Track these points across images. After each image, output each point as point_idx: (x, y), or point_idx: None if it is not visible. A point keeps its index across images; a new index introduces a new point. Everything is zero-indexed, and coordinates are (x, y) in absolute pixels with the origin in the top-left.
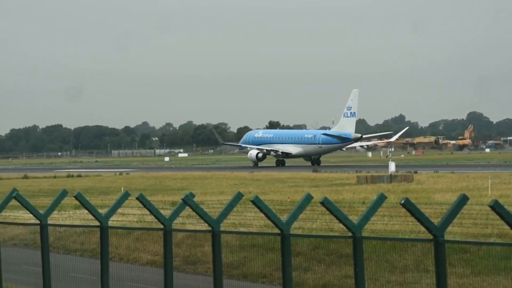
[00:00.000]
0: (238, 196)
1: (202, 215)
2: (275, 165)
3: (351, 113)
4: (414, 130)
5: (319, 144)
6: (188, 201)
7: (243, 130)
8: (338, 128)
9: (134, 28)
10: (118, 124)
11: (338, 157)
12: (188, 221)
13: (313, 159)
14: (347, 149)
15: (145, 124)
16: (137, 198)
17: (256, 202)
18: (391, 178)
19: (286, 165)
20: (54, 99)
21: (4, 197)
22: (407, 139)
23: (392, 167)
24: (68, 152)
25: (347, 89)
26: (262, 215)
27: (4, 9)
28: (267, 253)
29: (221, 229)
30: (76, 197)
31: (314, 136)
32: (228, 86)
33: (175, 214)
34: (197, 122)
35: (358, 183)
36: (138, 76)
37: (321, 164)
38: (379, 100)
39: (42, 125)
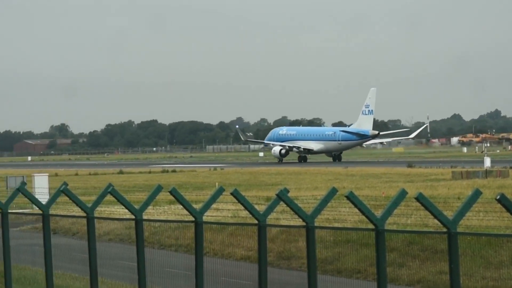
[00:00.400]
0: (333, 191)
1: (297, 210)
2: (297, 161)
3: (368, 110)
4: (510, 125)
5: (338, 140)
6: (282, 196)
7: (338, 125)
8: (357, 126)
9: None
10: (212, 119)
11: (433, 152)
12: (282, 217)
13: (334, 155)
14: (366, 145)
15: (239, 119)
16: (231, 194)
17: (351, 198)
18: (487, 173)
19: (308, 161)
20: (150, 94)
21: (100, 192)
22: (502, 134)
23: (487, 162)
24: (163, 148)
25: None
26: (357, 210)
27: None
28: (361, 249)
29: (315, 224)
30: (171, 192)
31: (334, 133)
32: (323, 80)
33: (269, 209)
34: (292, 117)
35: (453, 179)
36: (231, 73)
37: (417, 161)
38: (472, 95)
39: (137, 120)
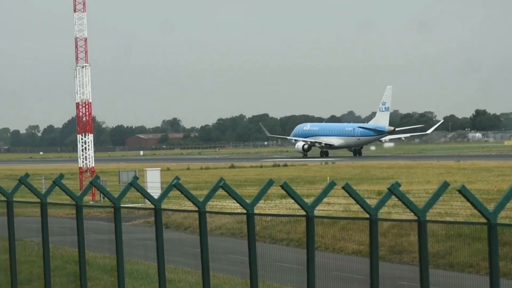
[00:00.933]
0: (444, 185)
1: (408, 204)
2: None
3: (385, 107)
4: None
5: (357, 136)
6: (394, 190)
7: (449, 118)
8: (374, 122)
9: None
10: (324, 113)
11: None
12: (393, 211)
13: (354, 150)
14: (383, 140)
15: (351, 113)
16: (342, 187)
17: (463, 191)
18: None
19: (329, 155)
20: (260, 88)
21: (211, 187)
22: None
23: None
24: (274, 142)
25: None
26: (469, 204)
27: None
28: (473, 243)
29: (427, 218)
30: (282, 187)
31: (353, 129)
32: (438, 71)
33: (381, 203)
34: (403, 110)
35: None
36: (347, 67)
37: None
38: None
39: (248, 114)
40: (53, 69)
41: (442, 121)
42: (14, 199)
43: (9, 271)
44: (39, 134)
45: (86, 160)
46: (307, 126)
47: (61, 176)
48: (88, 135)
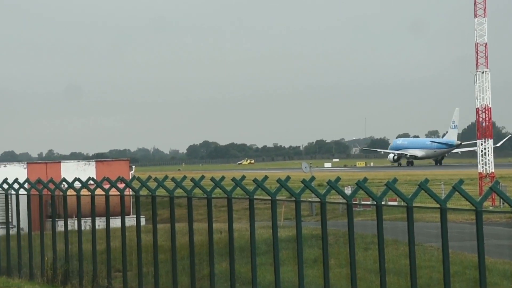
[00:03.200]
0: None
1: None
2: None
3: (454, 125)
4: None
5: (434, 149)
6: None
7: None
8: (447, 137)
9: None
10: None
11: None
12: None
13: (435, 160)
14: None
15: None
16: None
17: None
18: None
19: (414, 165)
20: None
21: None
22: None
23: None
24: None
25: None
26: None
27: None
28: None
29: None
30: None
31: (432, 142)
32: None
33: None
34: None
35: None
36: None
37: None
38: None
39: None
40: (453, 72)
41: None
42: (414, 204)
43: (409, 276)
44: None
45: (485, 165)
46: (399, 141)
47: (461, 181)
48: (487, 140)
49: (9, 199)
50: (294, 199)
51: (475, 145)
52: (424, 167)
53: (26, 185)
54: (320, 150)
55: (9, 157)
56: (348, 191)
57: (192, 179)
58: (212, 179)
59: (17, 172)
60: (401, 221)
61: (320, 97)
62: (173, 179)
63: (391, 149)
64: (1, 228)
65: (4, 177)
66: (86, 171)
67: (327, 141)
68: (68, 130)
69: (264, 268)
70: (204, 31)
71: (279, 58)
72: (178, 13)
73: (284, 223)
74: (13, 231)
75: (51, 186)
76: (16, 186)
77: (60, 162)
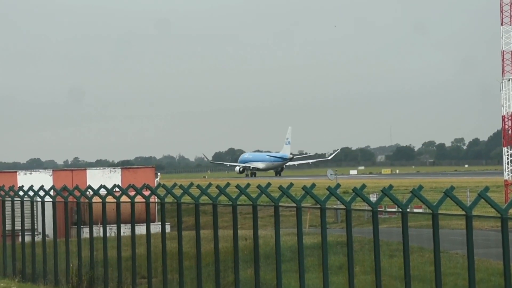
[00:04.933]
0: None
1: None
2: None
3: (288, 142)
4: None
5: (272, 162)
6: None
7: None
8: (282, 152)
9: None
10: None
11: None
12: None
13: (276, 171)
14: None
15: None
16: None
17: None
18: None
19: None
20: None
21: None
22: None
23: None
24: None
25: None
26: None
27: None
28: None
29: None
30: None
31: (270, 156)
32: None
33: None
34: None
35: None
36: None
37: None
38: None
39: None
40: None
41: None
42: (439, 211)
43: (434, 283)
44: (464, 147)
45: (511, 173)
46: (246, 155)
47: (486, 189)
48: None
49: (35, 206)
50: (319, 206)
51: (308, 158)
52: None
53: (51, 192)
54: (345, 157)
55: (35, 165)
56: (373, 198)
57: (218, 186)
58: (238, 186)
59: (43, 179)
60: (426, 228)
61: (346, 105)
62: (198, 186)
63: (239, 162)
64: (27, 234)
65: (30, 184)
66: (112, 178)
67: (352, 149)
68: (94, 138)
69: (289, 275)
70: (229, 40)
71: (303, 66)
72: (201, 22)
73: (309, 230)
74: (38, 238)
75: (77, 193)
76: (42, 193)
77: (85, 169)
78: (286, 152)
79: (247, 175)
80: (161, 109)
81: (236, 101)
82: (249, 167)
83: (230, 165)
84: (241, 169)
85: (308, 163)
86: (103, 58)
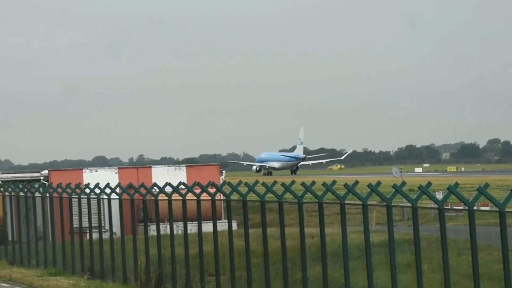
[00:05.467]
0: None
1: None
2: None
3: (301, 142)
4: None
5: (286, 161)
6: None
7: None
8: (295, 152)
9: None
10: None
11: None
12: None
13: (291, 170)
14: None
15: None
16: None
17: None
18: None
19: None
20: None
21: None
22: None
23: None
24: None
25: None
26: None
27: None
28: None
29: None
30: None
31: (284, 156)
32: None
33: None
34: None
35: None
36: None
37: None
38: None
39: None
40: None
41: None
42: (506, 209)
43: (503, 281)
44: None
45: None
46: (262, 155)
47: None
48: None
49: (101, 204)
50: (385, 204)
51: (320, 158)
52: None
53: (117, 190)
54: (410, 155)
55: (100, 162)
56: (439, 196)
57: (283, 184)
58: (303, 184)
59: (109, 176)
60: (494, 226)
61: (410, 101)
62: (263, 184)
63: (257, 162)
64: (95, 232)
65: (96, 182)
66: (177, 175)
67: (417, 146)
68: (159, 135)
69: (356, 273)
70: (284, 35)
71: (366, 60)
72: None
73: (375, 227)
74: (106, 235)
75: (143, 190)
76: (107, 190)
77: (150, 167)
78: (299, 152)
79: (264, 174)
80: (225, 106)
81: (297, 97)
82: (266, 166)
83: (246, 164)
84: (257, 168)
85: (322, 162)
86: (178, 55)
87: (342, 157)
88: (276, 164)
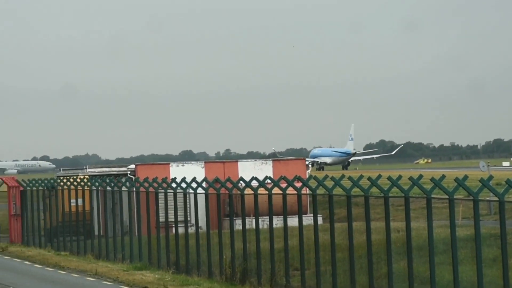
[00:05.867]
0: None
1: None
2: None
3: (351, 138)
4: None
5: (338, 157)
6: None
7: None
8: (346, 147)
9: None
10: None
11: None
12: None
13: (343, 166)
14: None
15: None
16: None
17: None
18: None
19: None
20: None
21: None
22: None
23: None
24: None
25: None
26: None
27: None
28: None
29: None
30: None
31: (335, 152)
32: None
33: None
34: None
35: None
36: None
37: None
38: None
39: None
40: None
41: None
42: None
43: None
44: None
45: None
46: (315, 151)
47: None
48: None
49: (187, 198)
50: (472, 198)
51: (370, 153)
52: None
53: (204, 184)
54: (498, 149)
55: (187, 156)
56: None
57: (369, 178)
58: (389, 178)
59: (195, 171)
60: None
61: (499, 94)
62: (349, 178)
63: (310, 157)
64: (180, 226)
65: (183, 176)
66: (263, 170)
67: (505, 140)
68: (245, 130)
69: (442, 268)
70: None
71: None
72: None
73: (462, 222)
74: (191, 230)
75: (229, 185)
76: (194, 185)
77: (237, 161)
78: (349, 148)
79: (316, 169)
80: (309, 100)
81: (386, 90)
82: (318, 161)
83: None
84: (309, 164)
85: (373, 158)
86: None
87: (393, 153)
88: (328, 160)
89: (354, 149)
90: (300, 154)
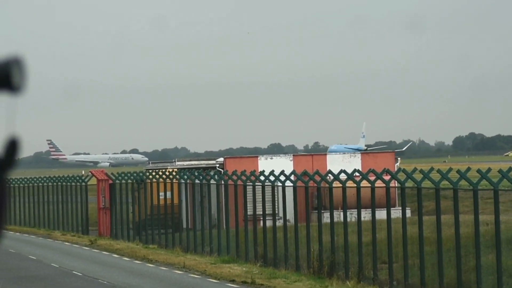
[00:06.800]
0: None
1: None
2: None
3: (363, 135)
4: None
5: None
6: None
7: None
8: (358, 144)
9: None
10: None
11: None
12: None
13: None
14: None
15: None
16: None
17: None
18: None
19: None
20: None
21: None
22: None
23: None
24: None
25: None
26: None
27: None
28: None
29: None
30: None
31: (348, 148)
32: None
33: None
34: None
35: None
36: None
37: None
38: None
39: None
40: None
41: None
42: None
43: None
44: None
45: None
46: (333, 147)
47: None
48: None
49: (276, 191)
50: None
51: (380, 150)
52: None
53: (292, 177)
54: None
55: (275, 149)
56: None
57: (458, 171)
58: (479, 170)
59: (283, 164)
60: None
61: None
62: (438, 171)
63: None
64: (268, 219)
65: (271, 169)
66: (352, 163)
67: None
68: (333, 122)
69: None
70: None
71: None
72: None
73: None
74: (279, 223)
75: (317, 178)
76: (282, 178)
77: (326, 154)
78: (361, 144)
79: None
80: (400, 92)
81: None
82: None
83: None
84: None
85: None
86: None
87: (403, 149)
88: None
89: (365, 146)
90: (389, 147)
